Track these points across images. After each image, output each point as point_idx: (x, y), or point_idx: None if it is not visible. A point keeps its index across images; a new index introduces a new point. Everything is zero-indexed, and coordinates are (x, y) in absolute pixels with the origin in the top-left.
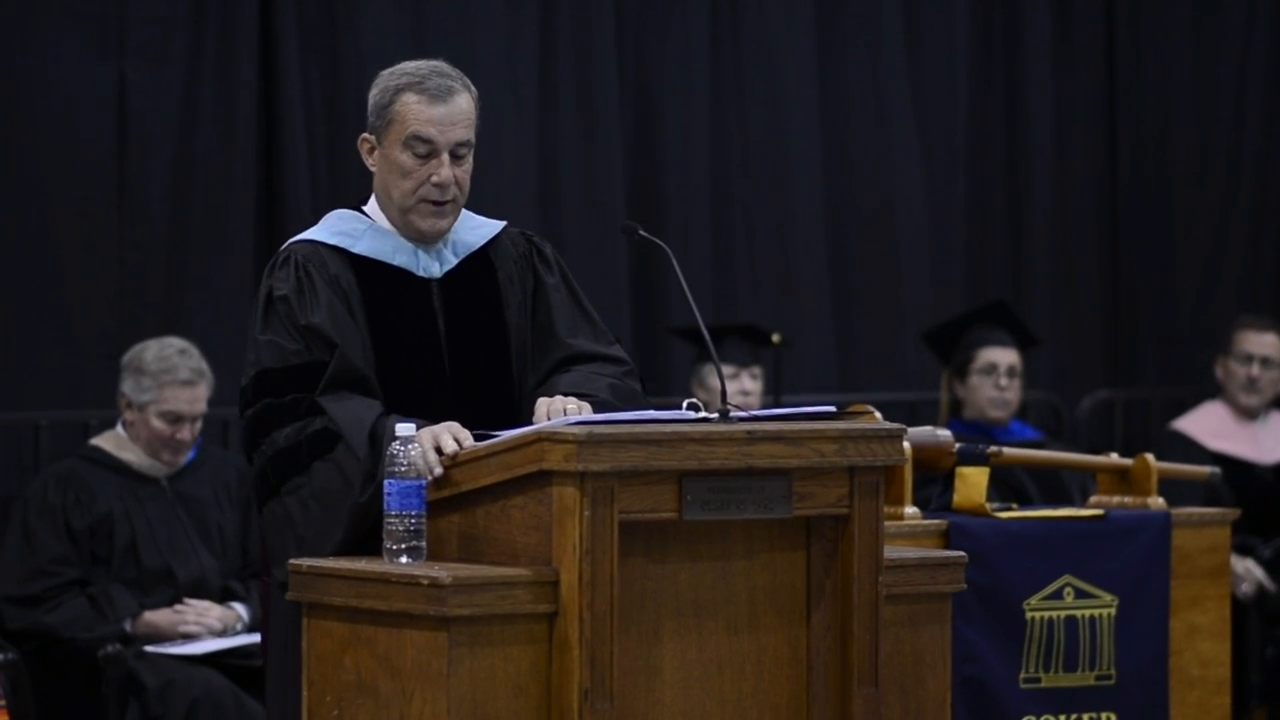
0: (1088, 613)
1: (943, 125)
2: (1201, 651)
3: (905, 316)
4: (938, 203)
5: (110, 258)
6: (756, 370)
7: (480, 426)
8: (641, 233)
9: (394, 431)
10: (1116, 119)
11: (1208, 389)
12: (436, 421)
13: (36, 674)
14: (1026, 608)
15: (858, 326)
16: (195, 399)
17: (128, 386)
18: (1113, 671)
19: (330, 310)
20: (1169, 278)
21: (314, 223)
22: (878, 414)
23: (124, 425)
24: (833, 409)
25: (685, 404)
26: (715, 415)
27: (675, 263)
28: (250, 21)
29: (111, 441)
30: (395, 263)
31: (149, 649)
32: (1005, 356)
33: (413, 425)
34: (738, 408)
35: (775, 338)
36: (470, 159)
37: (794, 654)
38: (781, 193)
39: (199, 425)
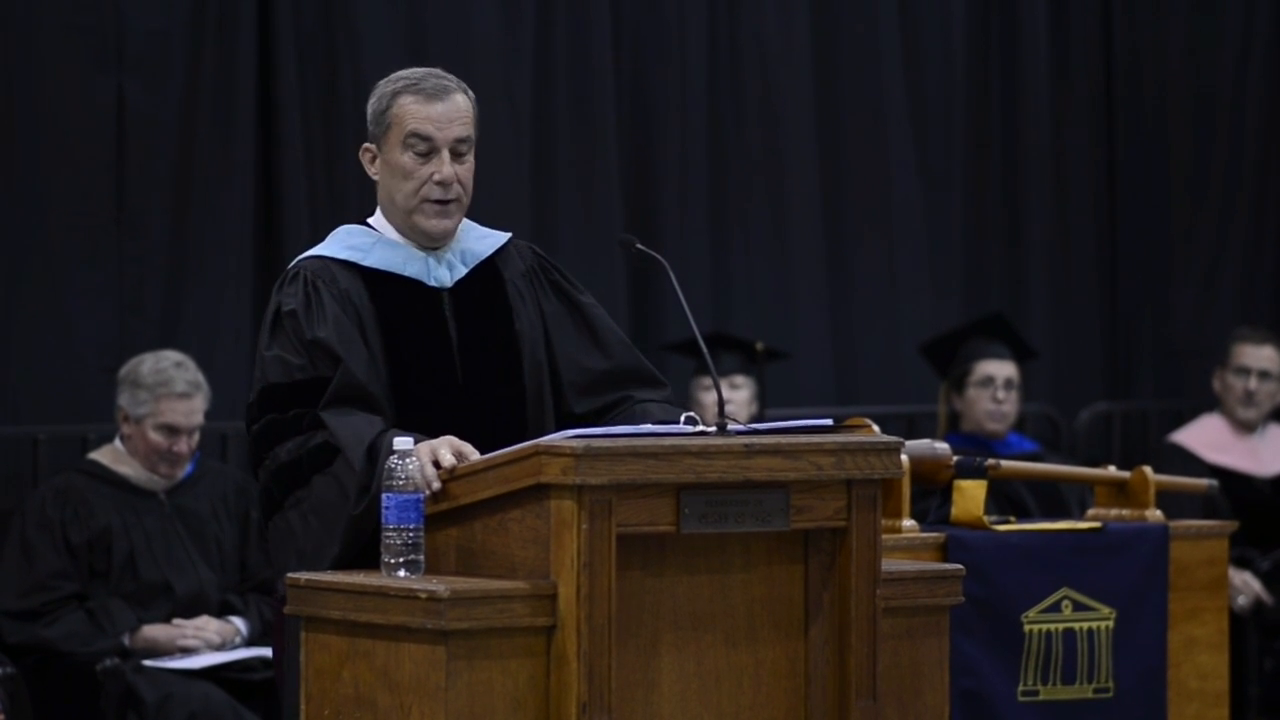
0: (1086, 625)
1: (940, 136)
2: (1199, 664)
3: (903, 329)
4: (935, 215)
5: (109, 271)
6: (738, 379)
7: (491, 436)
8: (639, 246)
9: (392, 446)
10: (1114, 130)
11: (1206, 402)
12: (449, 430)
13: (35, 688)
14: (1024, 620)
15: (855, 339)
16: (192, 411)
17: (124, 400)
18: (1111, 684)
19: (337, 325)
20: (1167, 290)
21: (312, 236)
22: (875, 427)
23: (122, 439)
24: (830, 422)
25: (683, 417)
26: (713, 428)
27: (673, 276)
28: (248, 34)
29: (109, 455)
30: (407, 273)
31: (147, 663)
32: (1003, 369)
33: (410, 439)
34: (735, 421)
35: (759, 346)
36: (471, 158)
37: (792, 667)
38: (779, 205)
39: (196, 438)
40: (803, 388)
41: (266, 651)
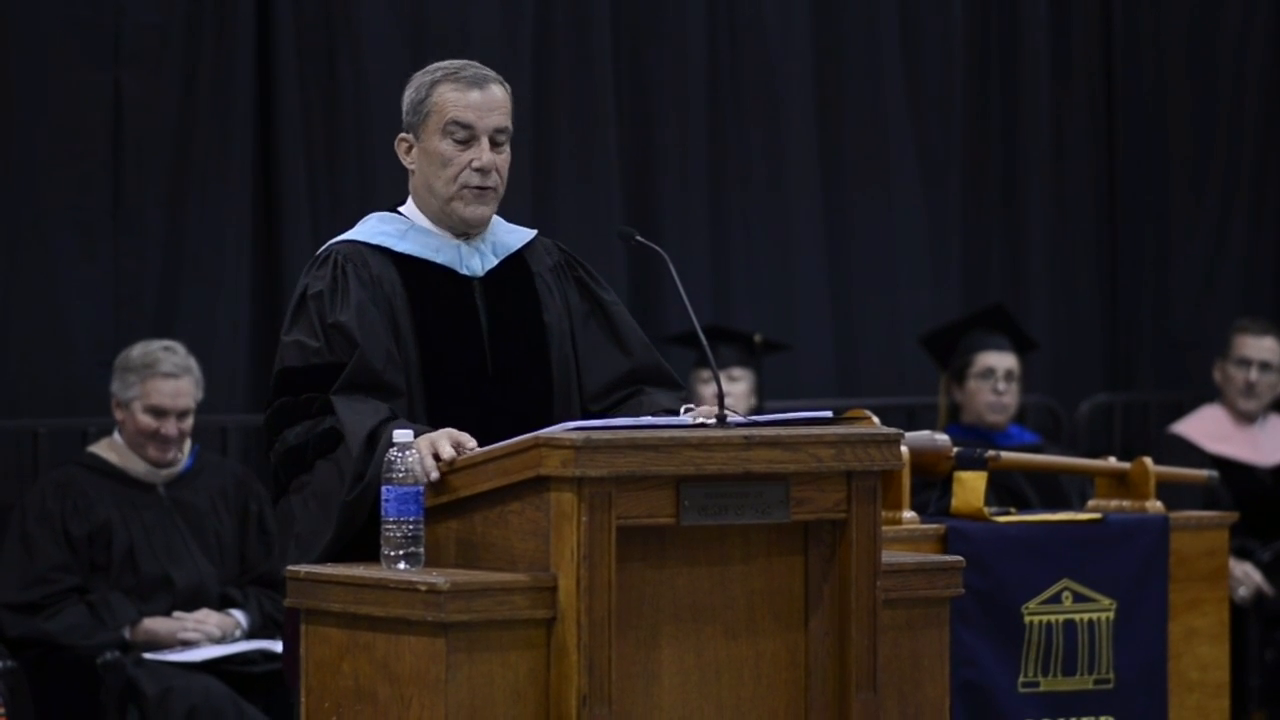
0: (1086, 616)
1: (940, 128)
2: (1200, 655)
3: (903, 321)
4: (935, 206)
5: (106, 266)
6: (736, 372)
7: (518, 425)
8: (638, 238)
9: (392, 437)
10: (1114, 122)
11: (1206, 393)
12: (478, 418)
13: (35, 681)
14: (1025, 612)
15: (855, 331)
16: (179, 393)
17: (116, 386)
18: (1111, 675)
19: (360, 311)
20: (1167, 281)
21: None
22: (875, 418)
23: (117, 428)
24: (830, 414)
25: (683, 409)
26: (713, 421)
27: (673, 268)
28: (247, 28)
29: (108, 448)
30: (439, 260)
31: (148, 656)
32: (1003, 361)
33: (410, 432)
34: (735, 412)
35: (756, 338)
36: (508, 149)
37: (792, 659)
38: (778, 197)
39: (188, 424)
40: (803, 379)
41: (267, 644)
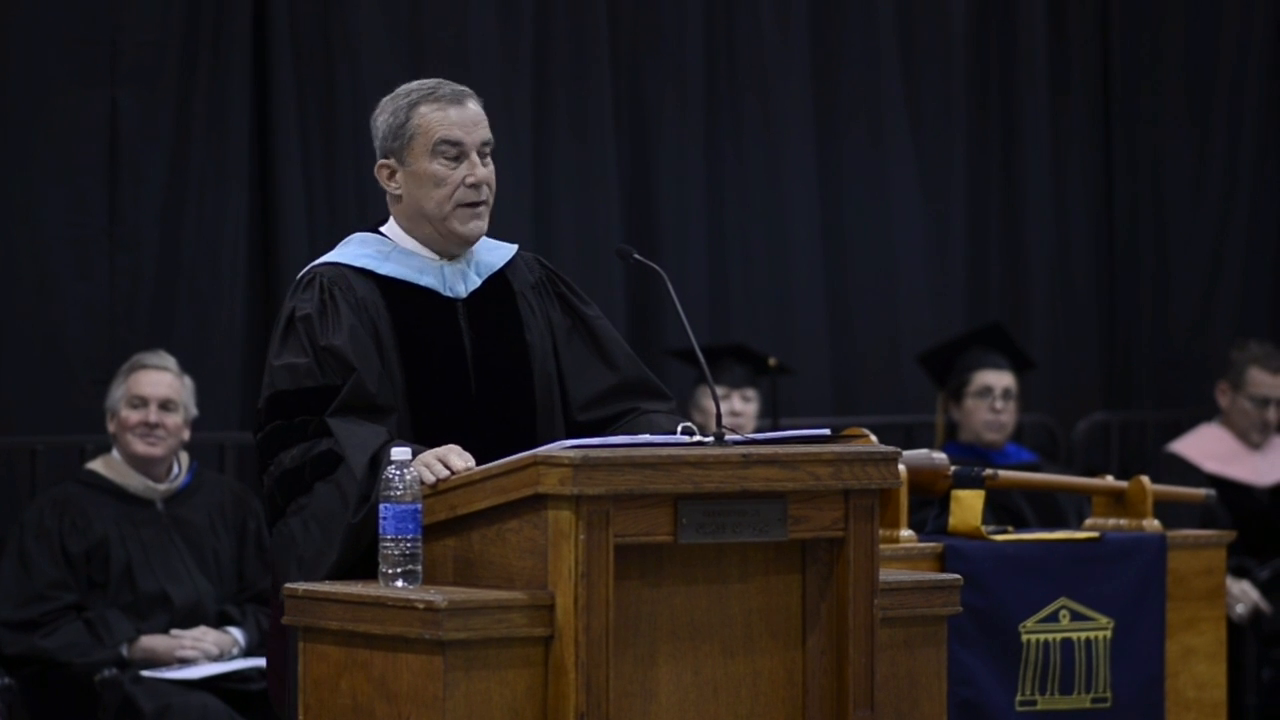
0: (1083, 635)
1: (940, 146)
2: (1197, 674)
3: (901, 339)
4: (934, 225)
5: (102, 284)
6: (749, 392)
7: (501, 446)
8: (637, 256)
9: (390, 455)
10: (1112, 142)
11: (1204, 411)
12: (461, 440)
13: (33, 699)
14: (1022, 630)
15: (854, 349)
16: (159, 382)
17: (107, 401)
18: (1109, 694)
19: (352, 335)
20: (1165, 300)
21: (309, 248)
22: (873, 437)
23: (114, 443)
24: (828, 432)
25: (681, 428)
26: (710, 439)
27: (670, 286)
28: (243, 46)
29: (106, 465)
30: (422, 283)
31: (145, 673)
32: (1001, 379)
33: (408, 450)
34: (733, 431)
35: (771, 361)
36: (492, 161)
37: (789, 677)
38: (777, 214)
39: (173, 420)
40: (801, 398)
41: (264, 662)
